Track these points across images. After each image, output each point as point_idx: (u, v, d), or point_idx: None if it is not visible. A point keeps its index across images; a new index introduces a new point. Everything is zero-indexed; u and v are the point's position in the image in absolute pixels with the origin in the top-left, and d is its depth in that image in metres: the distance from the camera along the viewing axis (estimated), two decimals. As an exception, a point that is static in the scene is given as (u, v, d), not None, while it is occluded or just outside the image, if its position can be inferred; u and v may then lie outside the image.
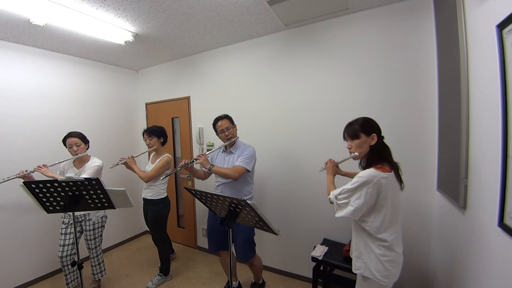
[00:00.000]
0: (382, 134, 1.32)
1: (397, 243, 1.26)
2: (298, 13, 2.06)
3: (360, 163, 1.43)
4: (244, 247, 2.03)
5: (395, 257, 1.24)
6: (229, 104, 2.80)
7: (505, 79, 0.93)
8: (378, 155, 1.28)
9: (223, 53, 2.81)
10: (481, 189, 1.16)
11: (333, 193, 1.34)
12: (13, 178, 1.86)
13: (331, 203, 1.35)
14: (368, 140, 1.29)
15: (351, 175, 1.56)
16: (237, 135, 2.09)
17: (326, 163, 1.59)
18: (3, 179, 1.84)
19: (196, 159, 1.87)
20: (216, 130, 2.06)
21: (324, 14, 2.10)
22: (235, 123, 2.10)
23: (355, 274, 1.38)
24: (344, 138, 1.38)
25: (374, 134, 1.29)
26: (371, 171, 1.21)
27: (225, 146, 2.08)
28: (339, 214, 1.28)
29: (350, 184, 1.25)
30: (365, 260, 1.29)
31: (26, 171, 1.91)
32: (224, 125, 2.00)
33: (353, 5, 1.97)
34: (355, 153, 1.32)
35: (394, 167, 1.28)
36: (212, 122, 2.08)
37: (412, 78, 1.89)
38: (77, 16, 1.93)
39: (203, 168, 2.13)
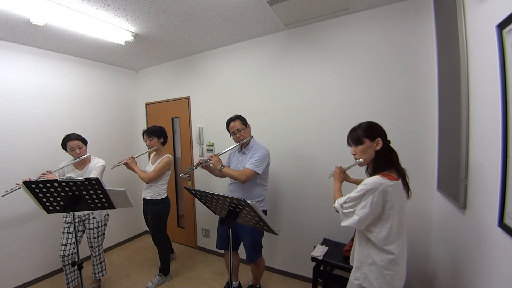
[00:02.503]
0: (388, 139, 1.27)
1: (402, 256, 1.21)
2: (298, 13, 2.06)
3: (367, 170, 1.37)
4: (252, 248, 2.03)
5: (398, 271, 1.19)
6: (229, 104, 2.80)
7: (505, 79, 0.93)
8: (384, 161, 1.22)
9: (223, 53, 2.81)
10: (481, 189, 1.16)
11: (338, 202, 1.28)
12: (17, 189, 1.80)
13: (337, 211, 1.30)
14: (373, 145, 1.23)
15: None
16: (251, 136, 2.06)
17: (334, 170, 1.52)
18: (7, 191, 1.81)
19: (209, 159, 1.89)
20: (229, 131, 2.05)
21: (324, 14, 2.10)
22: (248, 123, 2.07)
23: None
24: (348, 144, 1.33)
25: (379, 139, 1.23)
26: (376, 178, 1.16)
27: (240, 146, 2.06)
28: (345, 223, 1.24)
29: (355, 191, 1.20)
30: (365, 271, 1.23)
31: (29, 179, 1.85)
32: (236, 127, 1.98)
33: (353, 5, 1.97)
34: (360, 160, 1.26)
35: (401, 174, 1.22)
36: (225, 123, 2.06)
37: (412, 78, 1.89)
38: (77, 16, 1.93)
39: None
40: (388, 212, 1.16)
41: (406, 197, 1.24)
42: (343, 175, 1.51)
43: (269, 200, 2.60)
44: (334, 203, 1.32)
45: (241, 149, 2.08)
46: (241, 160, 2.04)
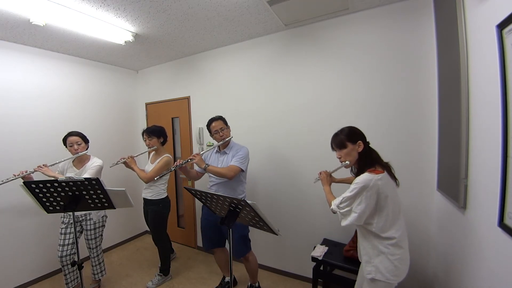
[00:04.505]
0: (367, 140, 1.38)
1: (404, 239, 1.29)
2: (298, 13, 2.06)
3: (352, 170, 1.48)
4: (238, 244, 2.06)
5: (402, 254, 1.27)
6: (229, 104, 2.80)
7: (505, 79, 0.93)
8: (367, 160, 1.33)
9: (223, 53, 2.81)
10: (481, 189, 1.16)
11: (334, 203, 1.36)
12: (13, 179, 1.85)
13: (334, 213, 1.37)
14: (356, 148, 1.34)
15: (347, 181, 1.64)
16: (231, 136, 2.12)
17: (320, 174, 1.62)
18: (3, 181, 1.84)
19: (191, 159, 1.91)
20: (210, 131, 2.10)
21: (324, 14, 2.10)
22: (228, 124, 2.14)
23: (355, 274, 1.38)
24: (333, 148, 1.43)
25: (360, 141, 1.34)
26: (366, 175, 1.25)
27: (219, 147, 2.12)
28: (345, 222, 1.30)
29: (349, 191, 1.28)
30: (375, 263, 1.29)
31: (26, 171, 1.91)
32: (218, 126, 2.05)
33: (353, 5, 1.97)
34: (346, 162, 1.37)
35: (385, 167, 1.32)
36: (206, 123, 2.12)
37: (412, 78, 1.89)
38: (77, 16, 1.93)
39: (197, 168, 2.19)
40: (383, 203, 1.25)
41: (395, 186, 1.34)
42: (330, 178, 1.61)
43: (270, 200, 2.61)
44: (330, 206, 1.39)
45: (220, 149, 2.14)
46: (222, 160, 2.09)
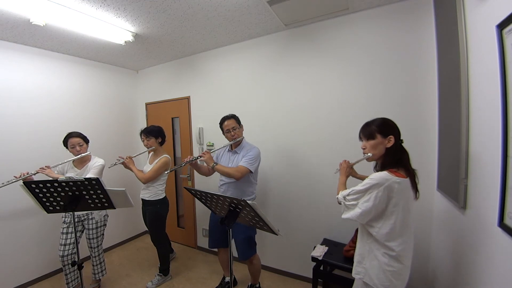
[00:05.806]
0: (401, 138, 1.26)
1: (406, 255, 1.18)
2: (298, 13, 2.06)
3: (375, 166, 1.36)
4: (244, 245, 2.05)
5: (400, 269, 1.17)
6: (229, 104, 2.80)
7: (505, 79, 0.93)
8: (394, 159, 1.21)
9: (223, 53, 2.81)
10: (481, 189, 1.16)
11: (341, 193, 1.28)
12: (14, 181, 1.84)
13: (339, 203, 1.29)
14: (384, 142, 1.22)
15: None
16: (243, 136, 2.11)
17: (341, 164, 1.50)
18: (3, 183, 1.83)
19: (200, 156, 1.90)
20: (222, 130, 2.09)
21: (324, 14, 2.10)
22: (241, 123, 2.12)
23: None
24: (360, 138, 1.32)
25: (391, 136, 1.22)
26: (383, 173, 1.15)
27: (231, 145, 2.10)
28: (346, 215, 1.23)
29: (361, 185, 1.19)
30: (366, 266, 1.24)
31: (27, 173, 1.90)
32: (230, 125, 2.03)
33: (353, 5, 1.97)
34: (369, 154, 1.26)
35: (411, 174, 1.20)
36: (219, 121, 2.10)
37: (412, 78, 1.89)
38: (77, 16, 1.93)
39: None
40: (392, 209, 1.15)
41: (413, 197, 1.23)
42: (349, 170, 1.49)
43: (270, 200, 2.61)
44: (338, 195, 1.32)
45: (232, 148, 2.12)
46: (233, 159, 2.07)
